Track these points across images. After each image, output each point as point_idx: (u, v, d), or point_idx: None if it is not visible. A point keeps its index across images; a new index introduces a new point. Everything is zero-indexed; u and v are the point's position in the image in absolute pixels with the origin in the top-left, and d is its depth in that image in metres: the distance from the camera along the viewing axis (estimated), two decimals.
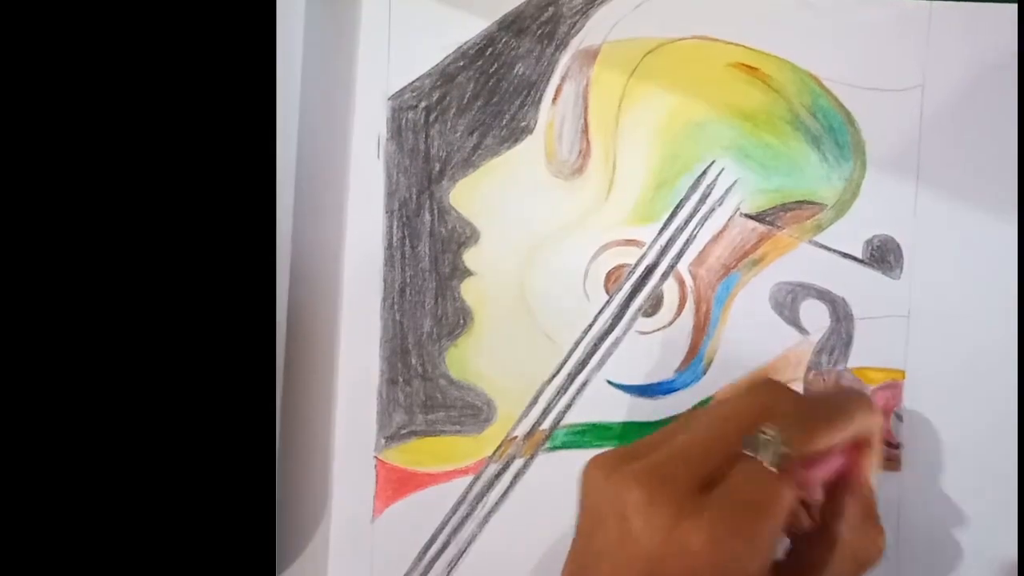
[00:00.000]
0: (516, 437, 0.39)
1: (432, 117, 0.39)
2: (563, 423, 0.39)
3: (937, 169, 0.37)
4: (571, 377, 0.39)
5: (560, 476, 0.38)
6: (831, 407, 0.33)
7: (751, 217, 0.38)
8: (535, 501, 0.39)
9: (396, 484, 0.39)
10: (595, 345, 0.39)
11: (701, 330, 0.38)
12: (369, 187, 0.39)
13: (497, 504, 0.39)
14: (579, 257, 0.39)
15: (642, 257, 0.39)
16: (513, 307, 0.39)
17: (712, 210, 0.38)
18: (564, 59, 0.39)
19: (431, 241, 0.39)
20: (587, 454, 0.38)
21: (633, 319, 0.39)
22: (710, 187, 0.38)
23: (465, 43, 0.39)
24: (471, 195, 0.39)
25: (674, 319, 0.38)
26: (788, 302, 0.38)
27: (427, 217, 0.39)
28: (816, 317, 0.38)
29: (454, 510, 0.39)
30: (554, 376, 0.39)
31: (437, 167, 0.39)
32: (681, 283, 0.38)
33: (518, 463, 0.39)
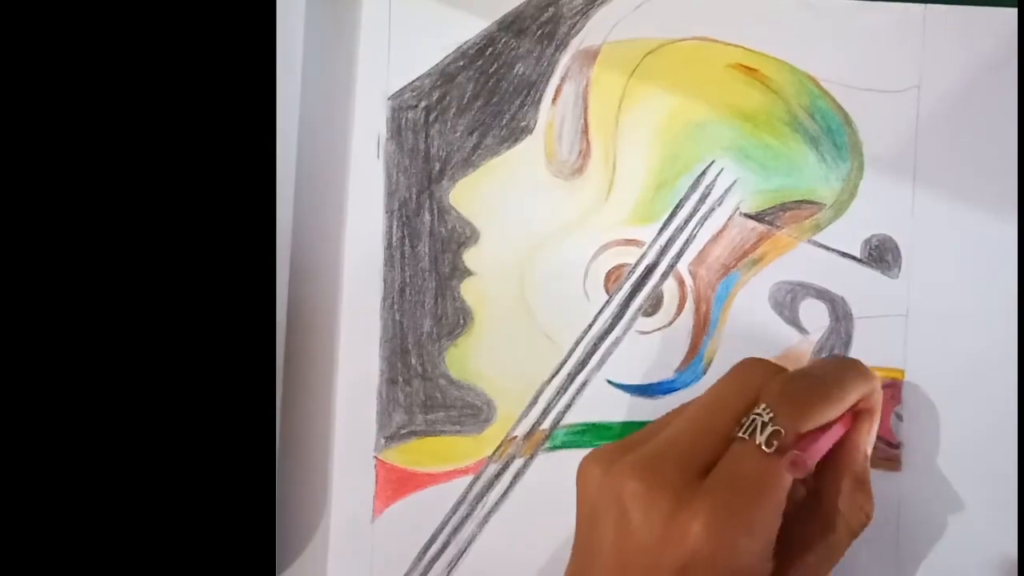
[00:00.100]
0: (516, 437, 0.39)
1: (432, 117, 0.39)
2: (563, 423, 0.39)
3: (934, 169, 0.38)
4: (571, 377, 0.39)
5: (560, 476, 0.38)
6: (824, 381, 0.33)
7: (751, 217, 0.38)
8: (535, 501, 0.39)
9: (396, 484, 0.39)
10: (595, 345, 0.39)
11: (701, 330, 0.38)
12: (369, 187, 0.39)
13: (497, 504, 0.39)
14: (579, 257, 0.39)
15: (642, 257, 0.39)
16: (513, 307, 0.39)
17: (712, 210, 0.38)
18: (564, 59, 0.39)
19: (431, 241, 0.39)
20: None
21: (633, 319, 0.39)
22: (710, 187, 0.38)
23: (465, 43, 0.39)
24: (471, 195, 0.39)
25: (674, 319, 0.38)
26: (787, 301, 0.38)
27: (427, 217, 0.39)
28: (815, 316, 0.38)
29: (454, 510, 0.39)
30: (554, 376, 0.39)
31: (437, 167, 0.39)
32: (681, 283, 0.38)
33: (518, 463, 0.39)
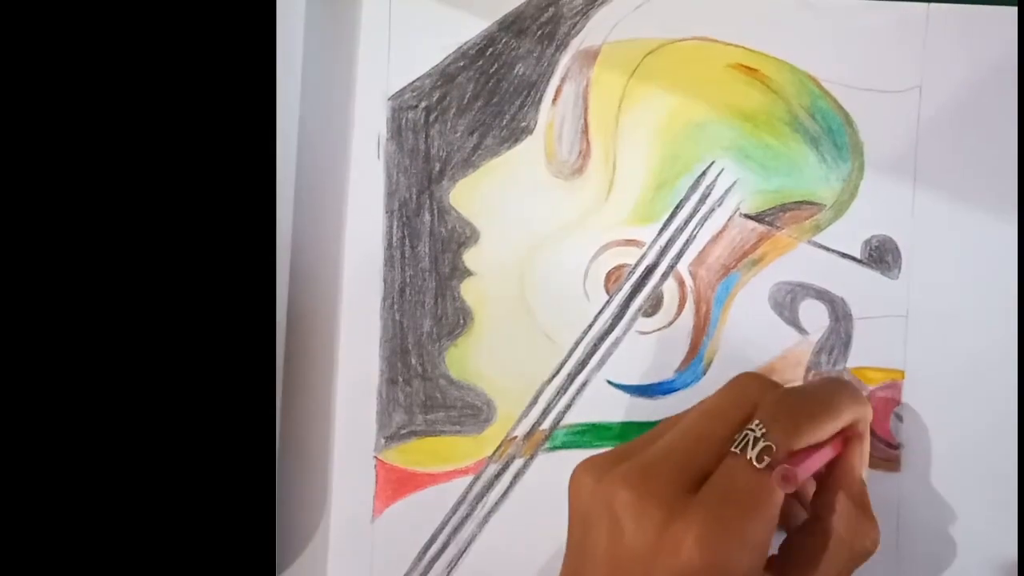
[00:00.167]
0: (516, 437, 0.39)
1: (432, 117, 0.39)
2: (563, 423, 0.39)
3: (934, 170, 0.38)
4: (571, 377, 0.39)
5: (560, 476, 0.38)
6: (818, 400, 0.33)
7: (751, 217, 0.38)
8: (535, 501, 0.39)
9: (396, 484, 0.39)
10: (595, 345, 0.39)
11: (701, 330, 0.38)
12: (369, 187, 0.39)
13: (497, 504, 0.39)
14: (579, 257, 0.39)
15: (642, 257, 0.39)
16: (513, 307, 0.39)
17: (712, 210, 0.38)
18: (564, 59, 0.39)
19: (431, 241, 0.39)
20: (587, 454, 0.38)
21: (633, 319, 0.39)
22: (710, 187, 0.38)
23: (465, 43, 0.39)
24: (471, 195, 0.39)
25: (674, 319, 0.38)
26: (787, 302, 0.38)
27: (427, 217, 0.39)
28: (815, 317, 0.38)
29: (454, 510, 0.39)
30: (554, 376, 0.39)
31: (437, 167, 0.39)
32: (681, 283, 0.38)
33: (518, 463, 0.39)
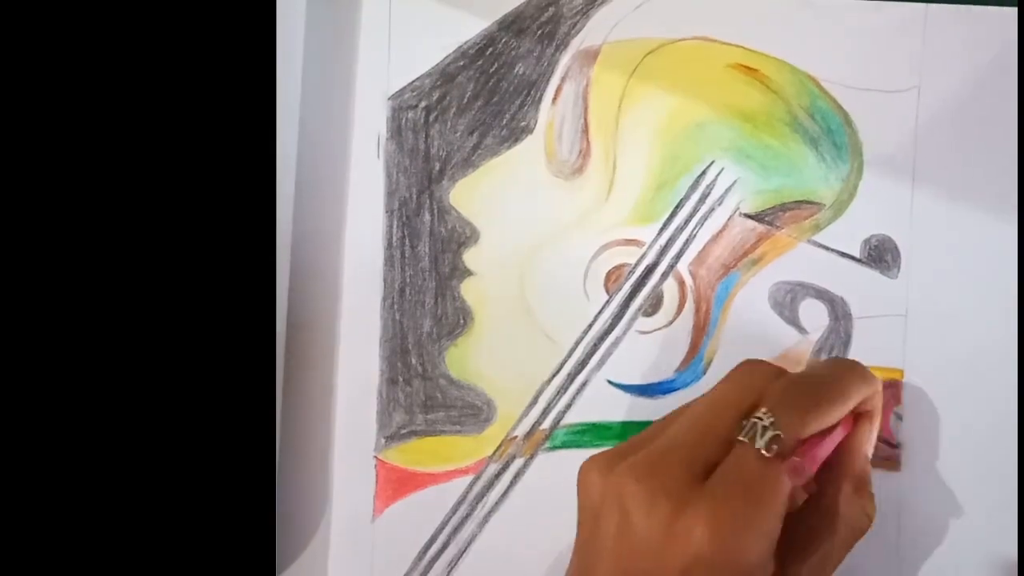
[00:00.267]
0: (516, 437, 0.39)
1: (432, 117, 0.39)
2: (563, 423, 0.39)
3: (933, 169, 0.38)
4: (571, 377, 0.39)
5: (560, 476, 0.38)
6: (825, 385, 0.33)
7: (750, 217, 0.38)
8: (535, 501, 0.39)
9: (396, 484, 0.39)
10: (595, 345, 0.39)
11: (701, 330, 0.38)
12: (369, 187, 0.39)
13: (497, 504, 0.39)
14: (579, 257, 0.39)
15: (642, 257, 0.39)
16: (513, 307, 0.39)
17: (712, 210, 0.38)
18: (564, 59, 0.39)
19: (431, 241, 0.39)
20: (587, 454, 0.38)
21: (633, 319, 0.39)
22: (710, 187, 0.38)
23: (465, 43, 0.39)
24: (471, 195, 0.39)
25: (674, 319, 0.38)
26: (787, 301, 0.38)
27: (427, 217, 0.39)
28: (815, 316, 0.38)
29: (454, 510, 0.39)
30: (554, 376, 0.39)
31: (437, 167, 0.39)
32: (681, 283, 0.38)
33: (518, 463, 0.39)
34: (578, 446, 0.38)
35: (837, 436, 0.33)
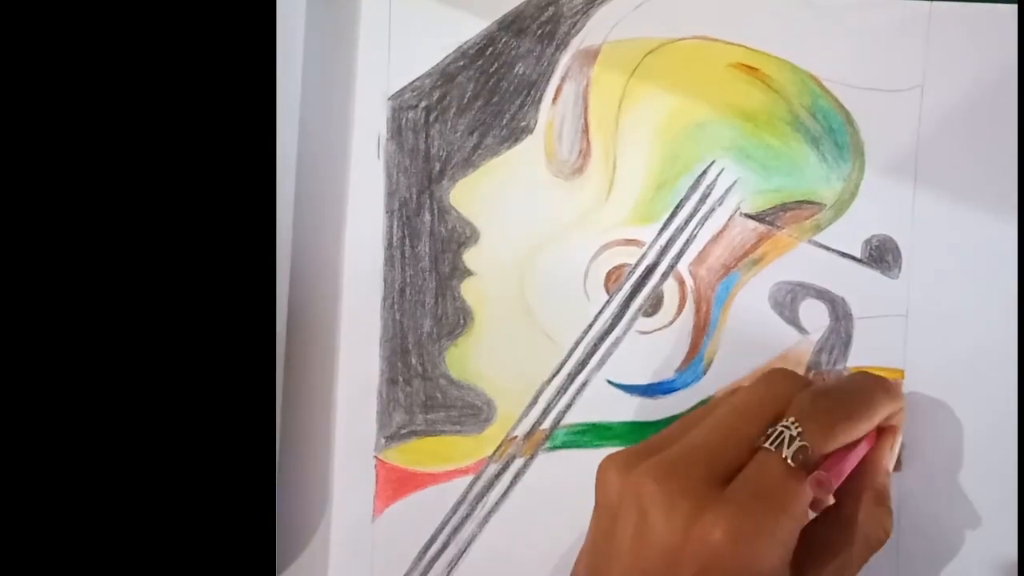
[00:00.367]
0: (516, 437, 0.39)
1: (432, 117, 0.39)
2: (563, 423, 0.39)
3: (936, 169, 0.38)
4: (571, 377, 0.39)
5: (560, 476, 0.38)
6: (854, 399, 0.33)
7: (751, 217, 0.38)
8: (535, 501, 0.39)
9: (396, 484, 0.39)
10: (595, 345, 0.39)
11: (701, 330, 0.38)
12: (369, 187, 0.39)
13: (497, 504, 0.39)
14: (579, 257, 0.39)
15: (642, 257, 0.39)
16: (513, 307, 0.39)
17: (712, 210, 0.38)
18: (564, 59, 0.39)
19: (431, 241, 0.39)
20: (587, 454, 0.38)
21: (633, 319, 0.39)
22: (710, 187, 0.38)
23: (465, 43, 0.39)
24: (471, 195, 0.39)
25: (674, 319, 0.38)
26: (788, 302, 0.38)
27: (427, 217, 0.39)
28: (815, 316, 0.38)
29: (454, 510, 0.39)
30: (554, 376, 0.39)
31: (437, 167, 0.39)
32: (681, 283, 0.38)
33: (518, 463, 0.39)
34: (578, 446, 0.39)
35: (861, 451, 0.33)
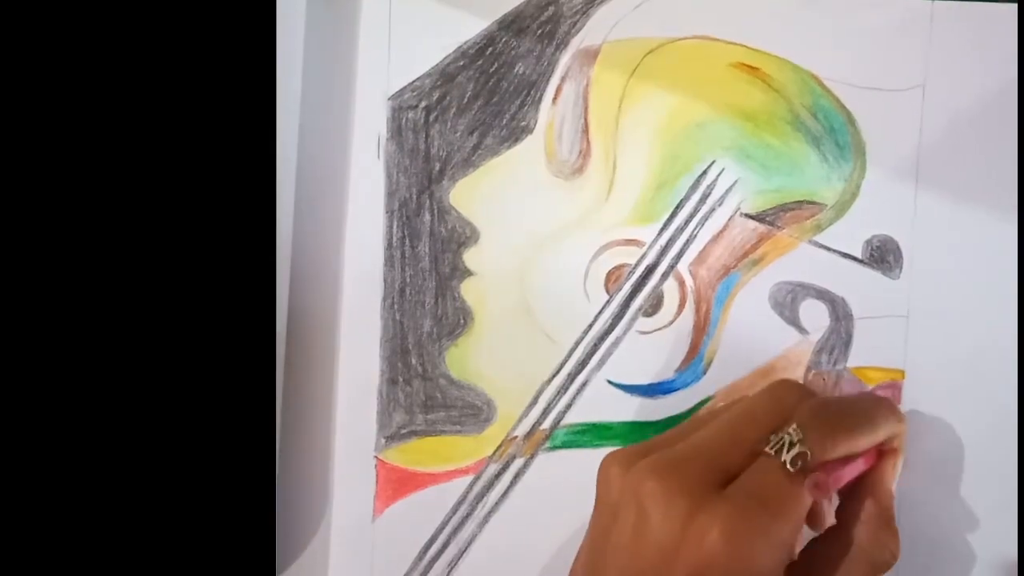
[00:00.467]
0: (516, 437, 0.39)
1: (432, 117, 0.39)
2: (563, 423, 0.39)
3: (937, 169, 0.37)
4: (571, 377, 0.39)
5: (560, 476, 0.38)
6: (857, 413, 0.33)
7: (751, 217, 0.38)
8: (535, 501, 0.39)
9: (396, 484, 0.39)
10: (595, 345, 0.39)
11: (701, 330, 0.38)
12: (369, 187, 0.39)
13: (497, 504, 0.39)
14: (579, 257, 0.39)
15: (642, 257, 0.39)
16: (513, 307, 0.39)
17: (712, 210, 0.38)
18: (564, 59, 0.38)
19: (431, 241, 0.39)
20: (587, 454, 0.38)
21: (633, 319, 0.39)
22: (710, 187, 0.38)
23: (465, 43, 0.39)
24: (471, 195, 0.39)
25: (674, 319, 0.38)
26: (788, 302, 0.38)
27: (427, 217, 0.39)
28: (816, 317, 0.38)
29: (454, 510, 0.39)
30: (554, 376, 0.39)
31: (437, 167, 0.39)
32: (681, 283, 0.38)
33: (518, 463, 0.39)
34: (578, 446, 0.39)
35: (860, 465, 0.33)
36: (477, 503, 0.39)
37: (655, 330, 0.39)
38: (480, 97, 0.39)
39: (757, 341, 0.38)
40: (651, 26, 0.38)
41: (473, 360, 0.39)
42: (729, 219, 0.38)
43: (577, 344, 0.39)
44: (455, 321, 0.39)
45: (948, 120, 0.37)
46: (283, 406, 0.39)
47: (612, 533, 0.32)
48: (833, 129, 0.38)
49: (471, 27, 0.39)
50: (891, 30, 0.38)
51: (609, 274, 0.39)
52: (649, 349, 0.38)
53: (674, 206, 0.38)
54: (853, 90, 0.38)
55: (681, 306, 0.38)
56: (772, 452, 0.31)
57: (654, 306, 0.39)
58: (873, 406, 0.34)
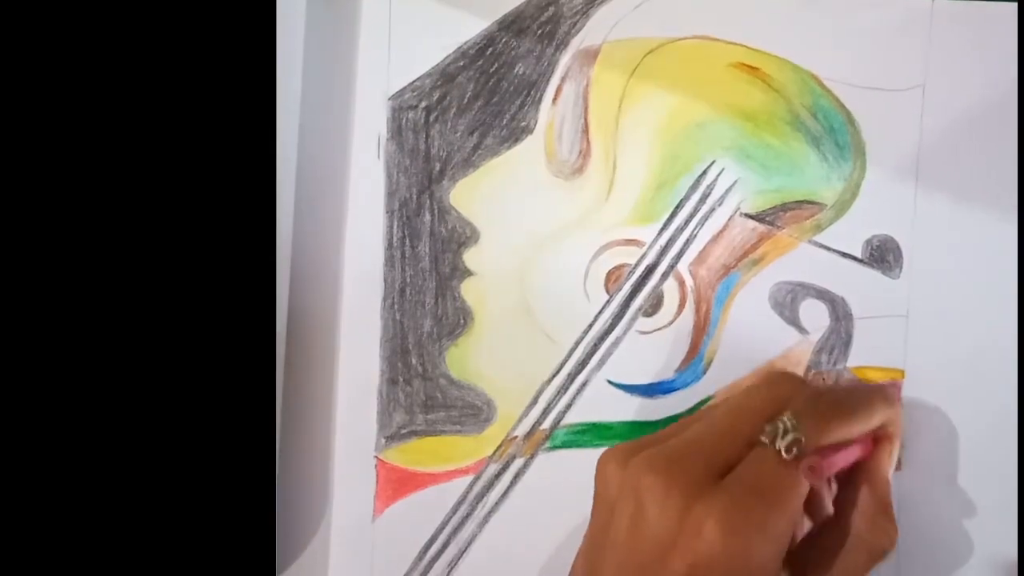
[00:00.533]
0: (516, 437, 0.39)
1: (432, 117, 0.39)
2: (563, 423, 0.39)
3: (937, 169, 0.37)
4: (571, 377, 0.39)
5: (560, 476, 0.38)
6: (851, 400, 0.34)
7: (751, 217, 0.38)
8: (535, 501, 0.39)
9: (396, 484, 0.39)
10: (595, 345, 0.39)
11: (701, 330, 0.38)
12: (369, 187, 0.39)
13: (497, 504, 0.39)
14: (579, 257, 0.39)
15: (642, 257, 0.39)
16: (513, 307, 0.39)
17: (712, 210, 0.38)
18: (564, 59, 0.38)
19: (431, 241, 0.39)
20: (587, 454, 0.38)
21: (633, 319, 0.39)
22: (710, 187, 0.38)
23: (465, 43, 0.39)
24: (471, 195, 0.39)
25: (674, 319, 0.38)
26: (788, 302, 0.38)
27: (427, 217, 0.39)
28: (816, 317, 0.38)
29: (454, 510, 0.39)
30: (554, 376, 0.39)
31: (437, 167, 0.39)
32: (681, 283, 0.38)
33: (518, 463, 0.39)
34: (578, 446, 0.39)
35: (855, 451, 0.33)
36: (477, 503, 0.39)
37: (655, 330, 0.39)
38: (480, 97, 0.39)
39: (757, 341, 0.38)
40: (651, 26, 0.38)
41: (473, 360, 0.39)
42: (729, 219, 0.38)
43: (577, 344, 0.39)
44: (455, 321, 0.39)
45: (948, 120, 0.37)
46: (283, 406, 0.39)
47: (610, 529, 0.32)
48: (833, 129, 0.38)
49: (471, 27, 0.39)
50: (891, 30, 0.38)
51: (609, 274, 0.39)
52: (649, 349, 0.38)
53: (674, 206, 0.38)
54: (853, 90, 0.38)
55: (681, 306, 0.38)
56: (767, 441, 0.31)
57: (654, 306, 0.39)
58: (867, 392, 0.35)
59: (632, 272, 0.39)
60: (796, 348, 0.38)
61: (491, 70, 0.39)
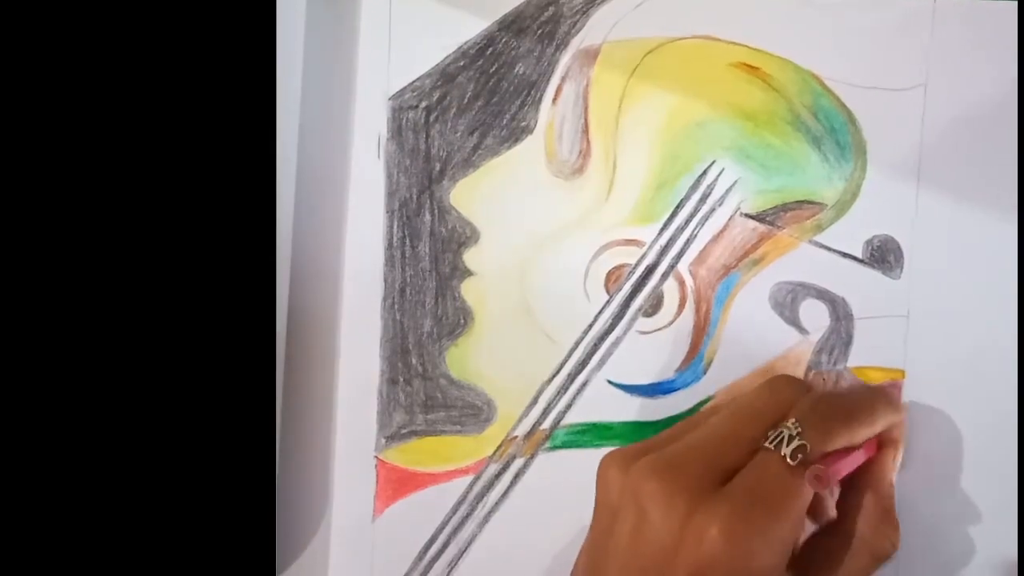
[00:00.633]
0: (516, 437, 0.39)
1: (432, 117, 0.39)
2: (563, 423, 0.39)
3: (938, 169, 0.37)
4: (571, 377, 0.39)
5: (560, 476, 0.38)
6: (854, 404, 0.34)
7: (751, 217, 0.38)
8: (535, 501, 0.39)
9: (396, 484, 0.39)
10: (595, 345, 0.39)
11: (701, 330, 0.38)
12: (369, 187, 0.39)
13: (497, 504, 0.39)
14: (579, 257, 0.39)
15: (642, 257, 0.38)
16: (513, 307, 0.39)
17: (712, 210, 0.38)
18: (564, 59, 0.38)
19: (431, 241, 0.39)
20: (587, 454, 0.38)
21: (633, 319, 0.39)
22: (710, 187, 0.38)
23: (465, 43, 0.39)
24: (471, 195, 0.39)
25: (674, 319, 0.38)
26: (788, 302, 0.38)
27: (427, 217, 0.39)
28: (816, 317, 0.38)
29: (454, 510, 0.39)
30: (554, 376, 0.39)
31: (437, 167, 0.39)
32: (681, 283, 0.38)
33: (518, 463, 0.39)
34: (578, 446, 0.39)
35: (859, 456, 0.33)
36: (477, 503, 0.39)
37: (655, 330, 0.39)
38: (480, 97, 0.39)
39: (757, 341, 0.38)
40: (651, 26, 0.38)
41: (473, 360, 0.39)
42: (729, 219, 0.38)
43: (577, 344, 0.39)
44: (455, 321, 0.39)
45: (949, 119, 0.37)
46: (283, 406, 0.39)
47: (612, 533, 0.32)
48: (834, 129, 0.38)
49: (471, 27, 0.39)
50: (892, 29, 0.37)
51: (609, 274, 0.39)
52: (649, 349, 0.38)
53: (674, 206, 0.38)
54: (854, 89, 0.38)
55: (681, 306, 0.38)
56: (771, 447, 0.31)
57: (654, 306, 0.39)
58: (871, 396, 0.34)
59: (632, 272, 0.39)
60: (796, 348, 0.38)
61: (491, 70, 0.39)
